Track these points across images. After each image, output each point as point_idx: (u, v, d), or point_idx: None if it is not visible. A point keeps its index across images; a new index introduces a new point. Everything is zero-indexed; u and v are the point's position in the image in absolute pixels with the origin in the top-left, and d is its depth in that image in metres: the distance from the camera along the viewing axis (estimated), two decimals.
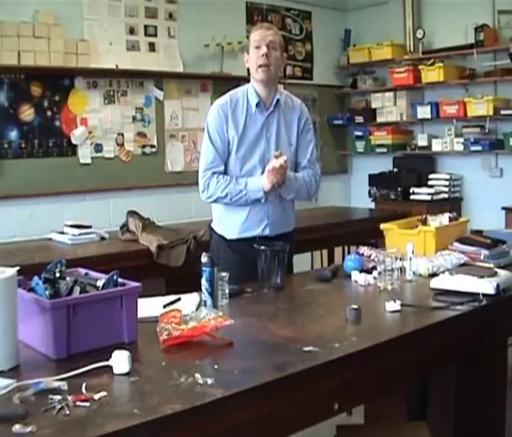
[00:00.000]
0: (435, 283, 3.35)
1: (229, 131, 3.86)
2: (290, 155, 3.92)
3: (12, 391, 2.04)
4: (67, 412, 1.91)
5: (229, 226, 3.98)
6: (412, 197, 8.37)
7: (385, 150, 8.97)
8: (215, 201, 3.94)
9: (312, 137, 4.13)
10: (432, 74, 8.22)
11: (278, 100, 3.93)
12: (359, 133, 9.39)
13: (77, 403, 1.96)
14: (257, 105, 3.88)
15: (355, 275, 3.65)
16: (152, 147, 7.53)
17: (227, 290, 3.22)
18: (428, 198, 8.19)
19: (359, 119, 9.33)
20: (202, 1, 7.91)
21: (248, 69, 3.95)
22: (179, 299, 3.16)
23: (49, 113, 6.70)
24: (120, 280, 2.62)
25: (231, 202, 3.86)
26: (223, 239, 4.00)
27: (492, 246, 3.97)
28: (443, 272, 3.52)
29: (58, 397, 1.98)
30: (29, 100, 6.56)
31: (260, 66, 3.81)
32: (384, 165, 9.01)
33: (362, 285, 3.56)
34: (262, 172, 3.81)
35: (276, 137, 3.92)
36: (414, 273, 3.64)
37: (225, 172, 3.90)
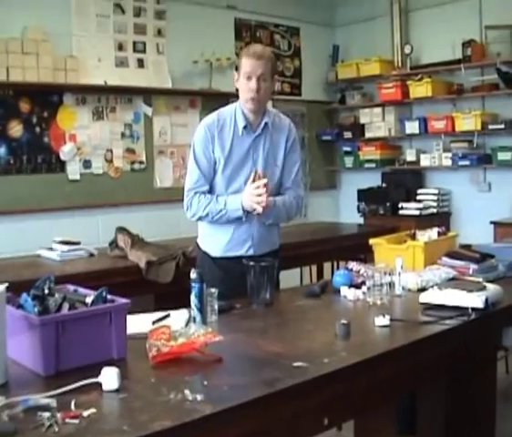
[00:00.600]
0: (424, 298, 3.36)
1: (215, 151, 3.83)
2: (275, 176, 3.93)
3: (0, 407, 2.02)
4: (56, 430, 1.90)
5: (213, 244, 3.97)
6: (400, 212, 8.37)
7: (374, 165, 8.98)
8: (199, 219, 3.92)
9: (299, 157, 4.08)
10: (420, 89, 8.26)
11: (266, 123, 3.90)
12: (347, 148, 9.40)
13: (66, 420, 1.95)
14: (244, 127, 3.86)
15: (344, 290, 3.65)
16: (141, 163, 7.53)
17: (216, 306, 3.22)
18: (417, 212, 8.20)
19: (347, 135, 9.36)
20: (191, 17, 7.93)
21: (237, 89, 3.93)
22: (168, 316, 3.15)
23: (38, 129, 6.70)
24: (109, 297, 2.61)
25: (214, 221, 3.85)
26: (207, 256, 3.99)
27: (481, 260, 3.98)
28: (432, 287, 3.53)
29: (47, 414, 1.97)
30: (18, 116, 6.56)
31: (249, 97, 3.78)
32: (373, 180, 9.02)
33: (351, 300, 3.56)
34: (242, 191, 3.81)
35: (263, 158, 3.89)
36: (403, 288, 3.65)
37: (211, 191, 3.88)
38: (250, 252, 3.88)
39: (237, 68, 3.88)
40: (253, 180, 3.69)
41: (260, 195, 3.63)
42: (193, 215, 3.87)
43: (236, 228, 3.86)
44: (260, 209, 3.67)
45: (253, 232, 3.88)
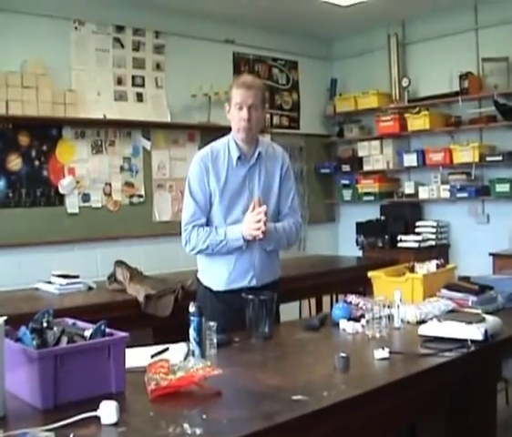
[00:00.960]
0: (424, 330, 3.35)
1: (210, 183, 3.84)
2: (272, 204, 3.93)
3: None
4: None
5: (214, 278, 3.94)
6: (399, 244, 8.37)
7: (372, 198, 8.99)
8: (198, 252, 3.90)
9: (293, 184, 4.10)
10: (418, 122, 8.29)
11: (259, 153, 3.91)
12: (346, 181, 9.41)
13: None
14: (238, 158, 3.87)
15: (343, 323, 3.64)
16: (140, 196, 7.54)
17: (215, 340, 3.21)
18: (415, 245, 8.20)
19: (346, 168, 9.37)
20: (189, 51, 7.98)
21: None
22: (166, 349, 3.14)
23: (37, 162, 6.72)
24: (108, 330, 2.61)
25: (214, 252, 3.84)
26: (209, 290, 3.96)
27: (480, 292, 3.98)
28: (431, 319, 3.52)
29: None
30: (17, 150, 6.58)
31: (241, 128, 3.81)
32: (372, 213, 9.03)
33: (350, 333, 3.55)
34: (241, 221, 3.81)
35: (259, 187, 3.89)
36: (402, 320, 3.64)
37: (209, 223, 3.88)
38: (253, 283, 3.86)
39: (228, 100, 3.90)
40: (253, 208, 3.70)
41: (259, 221, 3.65)
42: (192, 248, 3.86)
43: (238, 258, 3.85)
44: (260, 235, 3.68)
45: (255, 261, 3.87)
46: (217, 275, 3.93)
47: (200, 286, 4.05)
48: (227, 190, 3.84)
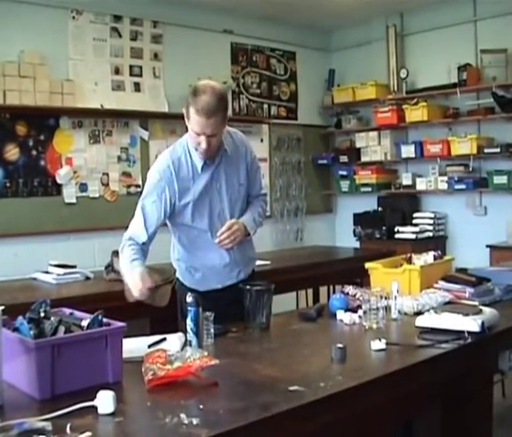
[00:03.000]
0: (421, 321, 3.35)
1: (173, 198, 3.66)
2: (241, 194, 3.83)
3: None
4: None
5: (200, 280, 3.85)
6: (396, 235, 8.38)
7: (370, 190, 8.99)
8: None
9: (258, 165, 3.99)
10: (416, 113, 8.29)
11: (225, 150, 3.75)
12: (343, 172, 9.41)
13: None
14: (204, 163, 3.70)
15: (341, 314, 3.64)
16: (137, 186, 7.53)
17: (212, 330, 3.21)
18: (413, 236, 8.21)
19: (343, 159, 9.37)
20: (187, 41, 7.97)
21: None
22: (164, 339, 3.14)
23: (34, 152, 6.71)
24: (105, 320, 2.61)
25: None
26: (195, 291, 3.66)
27: (477, 284, 3.98)
28: (428, 311, 3.52)
29: None
30: (14, 140, 6.57)
31: (199, 151, 3.64)
32: (369, 204, 9.04)
33: (347, 324, 3.56)
34: (211, 223, 3.73)
35: (226, 184, 3.76)
36: (399, 312, 3.64)
37: (177, 221, 3.78)
38: (241, 277, 3.84)
39: (186, 108, 3.66)
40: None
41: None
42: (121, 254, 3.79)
43: (223, 261, 3.78)
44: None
45: (237, 257, 3.80)
46: (202, 278, 3.85)
47: (183, 288, 3.88)
48: (195, 197, 3.69)
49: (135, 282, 3.57)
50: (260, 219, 3.89)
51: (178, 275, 3.99)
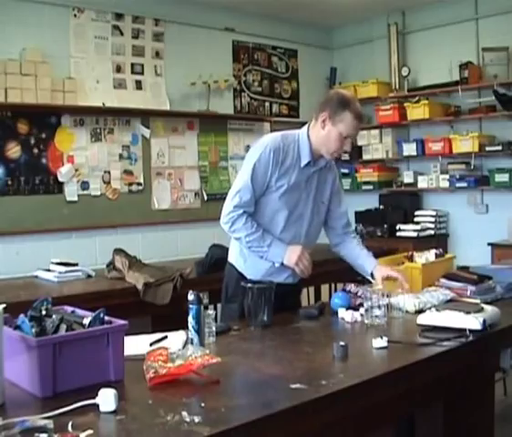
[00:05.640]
0: (422, 319, 3.35)
1: (274, 177, 3.73)
2: (321, 213, 3.97)
3: None
4: None
5: (251, 267, 3.87)
6: (398, 233, 8.39)
7: (371, 187, 9.00)
8: (236, 238, 3.84)
9: (343, 195, 4.18)
10: (417, 111, 8.29)
11: (326, 163, 3.89)
12: (345, 170, 9.39)
13: None
14: (307, 163, 3.80)
15: (342, 312, 3.64)
16: (139, 184, 7.53)
17: (214, 328, 3.21)
18: (414, 234, 8.21)
19: (345, 157, 9.33)
20: (189, 39, 7.97)
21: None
22: (165, 337, 3.14)
23: (36, 150, 6.71)
24: (107, 318, 2.60)
25: (248, 248, 3.80)
26: (243, 276, 3.86)
27: (478, 282, 3.98)
28: (429, 308, 3.52)
29: (44, 435, 1.96)
30: (16, 137, 6.57)
31: (335, 153, 3.75)
32: (371, 202, 9.04)
33: (349, 322, 3.56)
34: (288, 218, 3.80)
35: (314, 193, 3.88)
36: (400, 310, 3.64)
37: (260, 209, 3.81)
38: (289, 280, 3.88)
39: (331, 114, 3.68)
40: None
41: (307, 265, 3.72)
42: (234, 231, 3.76)
43: None
44: (300, 274, 3.78)
45: None
46: (254, 266, 3.86)
47: (233, 271, 3.96)
48: (290, 187, 3.77)
49: (293, 259, 3.73)
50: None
51: (230, 258, 4.03)
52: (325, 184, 3.96)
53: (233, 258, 4.00)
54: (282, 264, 3.76)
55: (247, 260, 3.91)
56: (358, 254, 4.07)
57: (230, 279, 3.97)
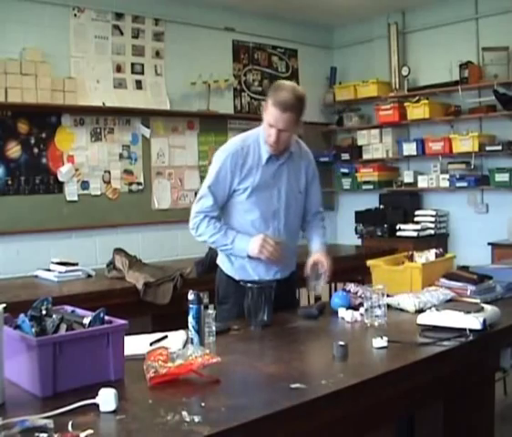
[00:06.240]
0: (422, 319, 3.35)
1: (236, 181, 3.76)
2: (298, 202, 3.97)
3: None
4: None
5: (238, 269, 3.89)
6: (398, 233, 8.38)
7: (371, 187, 9.00)
8: (201, 241, 3.88)
9: (318, 183, 4.15)
10: (417, 111, 8.28)
11: (291, 153, 3.88)
12: (345, 170, 9.40)
13: None
14: (269, 158, 3.80)
15: (342, 312, 3.64)
16: (139, 184, 7.53)
17: (214, 328, 3.21)
18: (414, 234, 8.20)
19: (345, 156, 9.37)
20: (189, 39, 7.96)
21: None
22: (165, 337, 3.14)
23: (36, 150, 6.71)
24: (107, 318, 2.61)
25: (215, 248, 3.88)
26: (231, 279, 3.90)
27: (478, 281, 3.98)
28: (429, 308, 3.52)
29: (44, 435, 1.97)
30: (16, 137, 6.57)
31: (268, 144, 3.75)
32: (371, 202, 9.03)
33: (348, 322, 3.56)
34: (264, 217, 3.82)
35: (286, 186, 3.87)
36: (400, 309, 3.64)
37: (228, 213, 3.86)
38: (277, 276, 3.87)
39: (266, 101, 3.74)
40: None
41: (272, 250, 3.69)
42: (199, 235, 3.81)
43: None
44: (269, 262, 3.77)
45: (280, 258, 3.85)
46: (241, 267, 3.89)
47: (222, 273, 4.00)
48: (255, 187, 3.78)
49: (256, 247, 3.70)
50: (326, 241, 4.19)
51: (218, 261, 4.05)
52: (299, 173, 3.96)
53: (220, 261, 4.03)
54: (250, 257, 3.77)
55: (231, 263, 3.93)
56: (312, 236, 4.17)
57: (220, 282, 4.01)
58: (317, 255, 3.95)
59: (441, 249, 4.57)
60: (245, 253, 3.75)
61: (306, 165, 4.01)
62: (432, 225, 8.35)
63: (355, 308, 3.69)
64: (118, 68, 7.43)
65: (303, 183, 3.99)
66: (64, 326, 2.51)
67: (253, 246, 3.71)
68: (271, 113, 3.65)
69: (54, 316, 2.54)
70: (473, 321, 3.19)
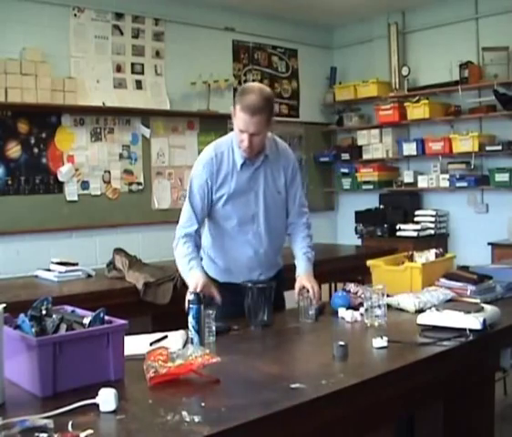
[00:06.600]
0: (422, 319, 3.35)
1: (213, 190, 3.74)
2: (278, 203, 3.89)
3: None
4: None
5: (221, 272, 3.89)
6: (398, 233, 8.39)
7: (371, 187, 9.00)
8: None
9: (300, 179, 4.05)
10: (417, 111, 8.29)
11: (266, 155, 3.80)
12: (345, 170, 9.42)
13: None
14: (243, 163, 3.75)
15: (342, 312, 3.64)
16: (139, 184, 7.54)
17: (214, 328, 3.21)
18: (414, 234, 8.21)
19: (345, 156, 9.37)
20: (189, 39, 7.97)
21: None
22: (165, 337, 3.14)
23: (36, 150, 6.72)
24: (107, 318, 2.61)
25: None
26: (215, 281, 3.82)
27: (478, 281, 3.97)
28: (429, 308, 3.52)
29: (44, 435, 1.97)
30: (16, 137, 6.58)
31: (241, 149, 3.69)
32: (371, 202, 9.04)
33: (349, 322, 3.55)
34: (243, 222, 3.78)
35: (264, 188, 3.81)
36: (400, 309, 3.64)
37: (212, 220, 3.84)
38: (261, 278, 3.84)
39: (233, 106, 3.66)
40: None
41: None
42: (175, 254, 3.76)
43: (246, 261, 3.81)
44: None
45: (261, 260, 3.84)
46: (223, 270, 3.89)
47: (207, 277, 3.87)
48: (231, 194, 3.75)
49: (195, 282, 3.51)
50: (313, 253, 3.99)
51: (202, 263, 3.95)
52: (277, 173, 3.87)
53: (205, 264, 3.96)
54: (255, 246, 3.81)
55: (214, 266, 3.93)
56: (297, 254, 3.98)
57: None
58: (303, 280, 3.80)
59: (441, 249, 4.57)
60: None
61: (285, 164, 3.92)
62: (432, 225, 8.36)
63: (355, 308, 3.69)
64: (118, 68, 7.44)
65: (282, 183, 3.90)
66: (64, 326, 2.51)
67: (192, 281, 3.57)
68: (240, 118, 3.57)
69: (54, 316, 2.54)
70: (473, 321, 3.19)
